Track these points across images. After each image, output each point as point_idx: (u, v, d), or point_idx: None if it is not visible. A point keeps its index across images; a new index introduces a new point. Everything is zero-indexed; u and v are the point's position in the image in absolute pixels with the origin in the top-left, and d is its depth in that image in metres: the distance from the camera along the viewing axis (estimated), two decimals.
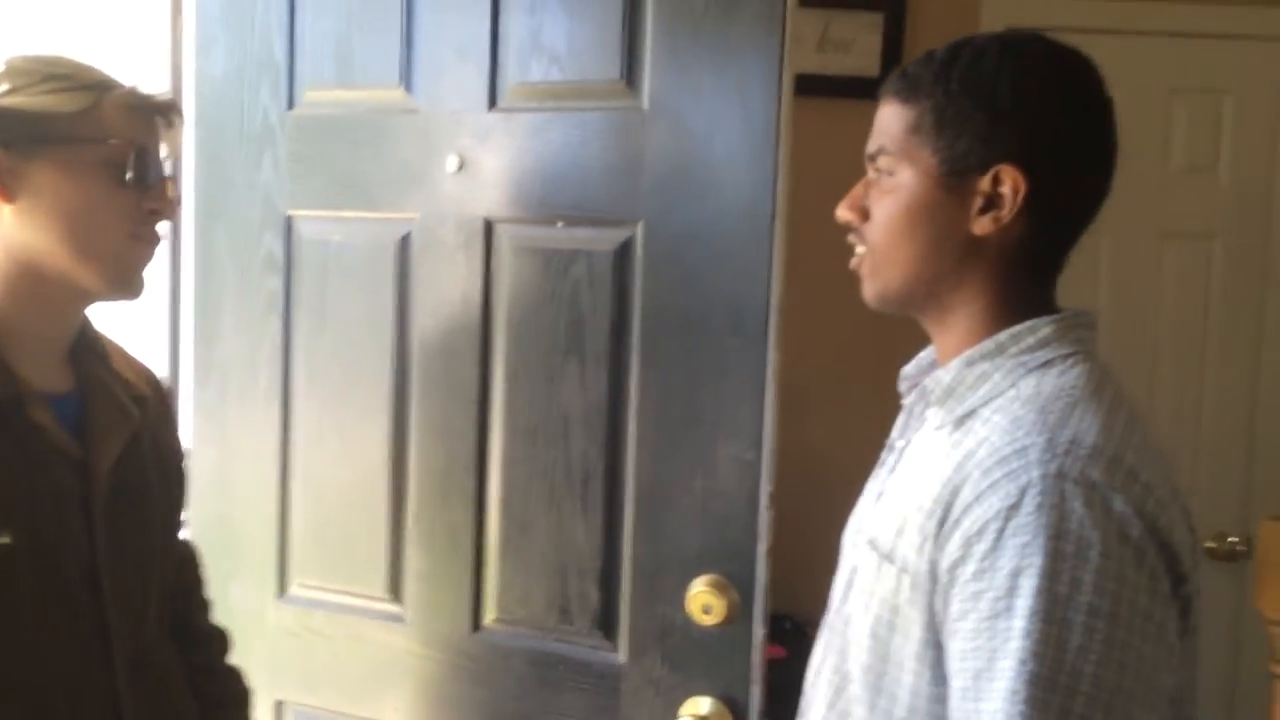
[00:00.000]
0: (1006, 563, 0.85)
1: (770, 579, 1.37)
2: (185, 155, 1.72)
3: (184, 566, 1.33)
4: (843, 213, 1.05)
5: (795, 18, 1.34)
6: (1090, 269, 2.21)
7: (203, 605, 1.37)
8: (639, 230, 1.40)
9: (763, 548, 1.36)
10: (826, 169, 2.14)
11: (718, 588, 1.37)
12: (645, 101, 1.39)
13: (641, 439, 1.41)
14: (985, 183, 0.96)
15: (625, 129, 1.40)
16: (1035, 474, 0.86)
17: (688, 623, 1.39)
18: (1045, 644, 0.82)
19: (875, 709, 0.96)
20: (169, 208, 1.15)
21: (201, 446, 1.67)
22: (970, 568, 0.87)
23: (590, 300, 1.43)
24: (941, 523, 0.91)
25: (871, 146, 1.03)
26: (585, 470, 1.44)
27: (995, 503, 0.87)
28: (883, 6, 2.22)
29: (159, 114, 1.14)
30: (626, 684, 1.43)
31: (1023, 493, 0.86)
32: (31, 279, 1.08)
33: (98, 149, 1.07)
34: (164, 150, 1.16)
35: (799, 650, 1.98)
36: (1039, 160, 0.95)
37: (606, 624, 1.45)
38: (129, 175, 1.08)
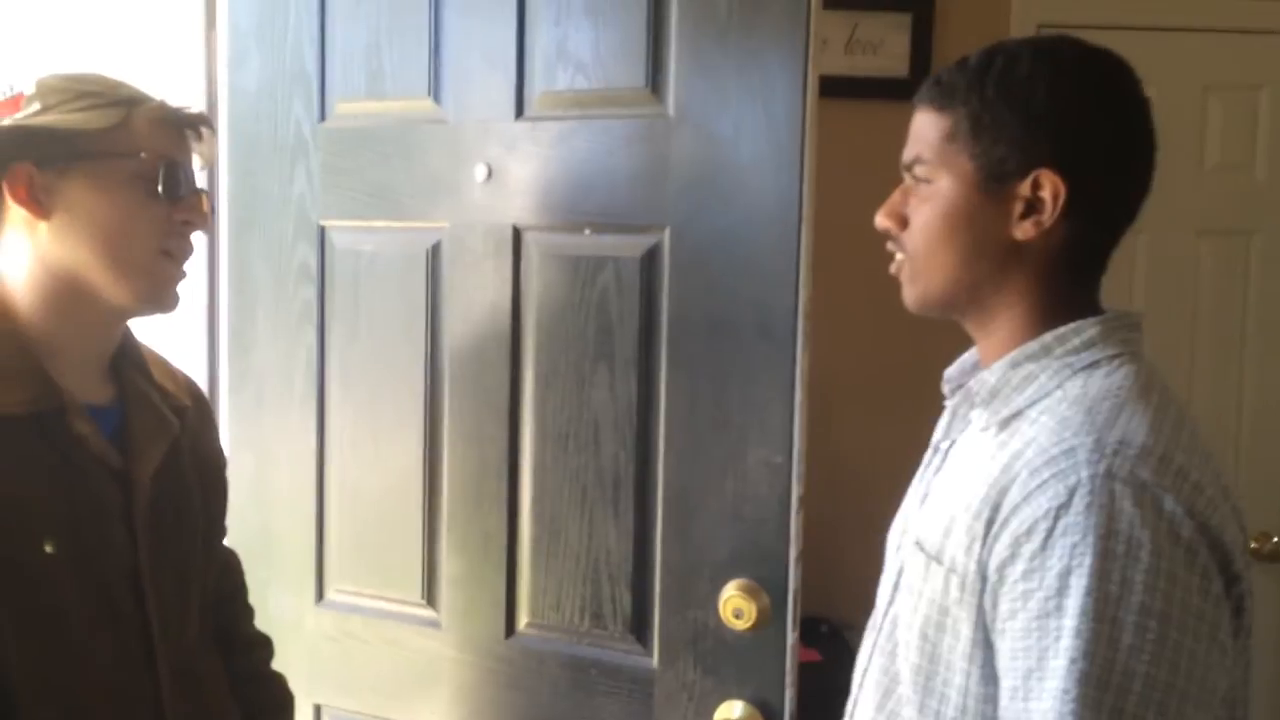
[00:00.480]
0: (1056, 562, 0.85)
1: (802, 583, 1.37)
2: (220, 168, 1.75)
3: (226, 574, 1.35)
4: (881, 220, 1.06)
5: (822, 20, 1.34)
6: (1126, 268, 2.18)
7: (246, 612, 1.39)
8: (666, 236, 1.40)
9: (794, 551, 1.36)
10: (856, 170, 2.14)
11: (749, 592, 1.37)
12: (670, 108, 1.39)
13: (671, 443, 1.42)
14: (1025, 188, 0.97)
15: (651, 136, 1.40)
16: (1084, 474, 0.86)
17: (720, 627, 1.39)
18: (1096, 643, 0.83)
19: (925, 709, 0.97)
20: (202, 219, 1.16)
21: (238, 454, 1.69)
22: (1019, 567, 0.88)
23: (618, 306, 1.43)
24: (989, 523, 0.91)
25: (908, 155, 1.04)
26: (616, 475, 1.45)
27: (1044, 503, 0.87)
28: (911, 7, 2.21)
29: (188, 127, 1.16)
30: (660, 688, 1.44)
31: (1071, 493, 0.86)
32: (70, 295, 1.09)
33: (128, 163, 1.09)
34: (196, 163, 1.18)
35: (834, 654, 1.99)
36: (1078, 163, 0.96)
37: (639, 628, 1.45)
38: (160, 188, 1.10)
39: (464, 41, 1.51)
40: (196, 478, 1.22)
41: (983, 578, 0.92)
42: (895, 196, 1.06)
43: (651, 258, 1.42)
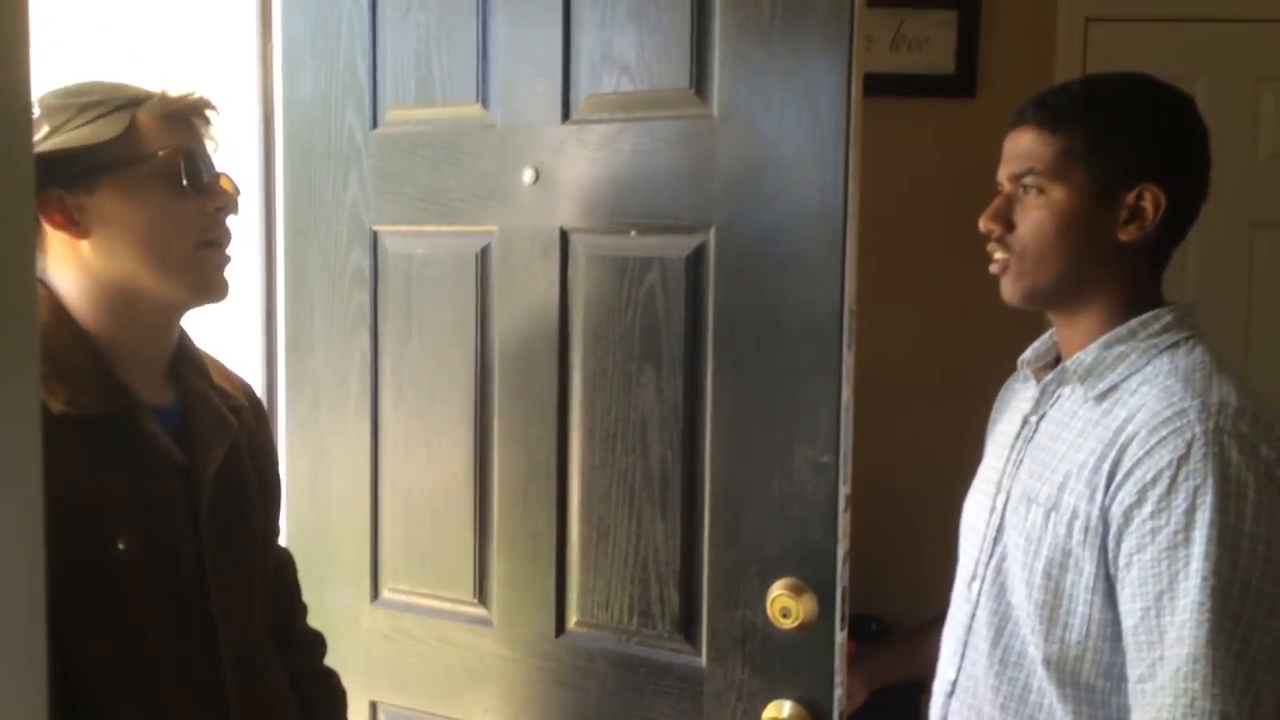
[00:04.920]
0: (1182, 502, 1.04)
1: (850, 581, 1.37)
2: (276, 175, 1.79)
3: (280, 571, 1.37)
4: (986, 223, 1.23)
5: (866, 18, 1.34)
6: (1179, 261, 2.15)
7: (300, 610, 1.41)
8: (711, 236, 1.41)
9: (841, 550, 1.36)
10: (904, 167, 2.14)
11: (796, 591, 1.37)
12: (715, 109, 1.40)
13: (718, 443, 1.42)
14: (1131, 198, 1.17)
15: (696, 137, 1.41)
16: (1198, 430, 1.06)
17: (768, 626, 1.40)
18: (1221, 563, 1.02)
19: (1050, 637, 1.15)
20: (231, 202, 1.17)
21: (296, 456, 1.73)
22: (1147, 509, 1.06)
23: (665, 306, 1.45)
24: (1110, 475, 1.10)
25: (1017, 168, 1.21)
26: (663, 475, 1.46)
27: (1166, 454, 1.06)
28: (956, 4, 2.20)
29: (194, 114, 1.16)
30: (709, 687, 1.45)
31: (1189, 445, 1.05)
32: (124, 301, 1.12)
33: (148, 164, 1.10)
34: (210, 146, 1.18)
35: None
36: (1173, 178, 1.17)
37: (687, 627, 1.46)
38: (185, 182, 1.11)
39: (511, 47, 1.53)
40: (255, 476, 1.25)
41: (1104, 522, 1.10)
42: (998, 203, 1.23)
43: (697, 258, 1.43)
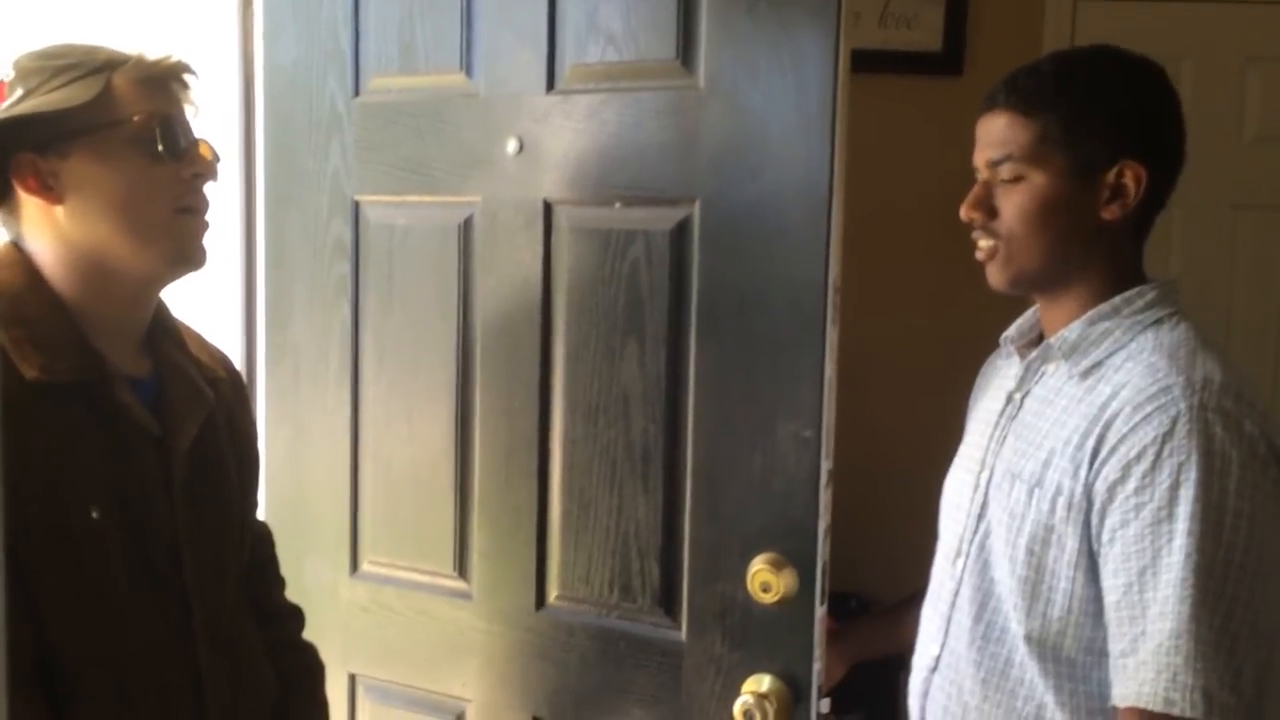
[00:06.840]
0: (1166, 478, 1.05)
1: (830, 557, 1.37)
2: (256, 144, 1.77)
3: (258, 545, 1.36)
4: (967, 212, 1.22)
5: None
6: (1163, 242, 2.16)
7: (278, 583, 1.41)
8: (696, 209, 1.40)
9: (822, 526, 1.36)
10: (890, 145, 2.13)
11: (777, 566, 1.37)
12: (701, 80, 1.39)
13: (700, 417, 1.42)
14: (1111, 176, 1.16)
15: (681, 108, 1.40)
16: (1183, 406, 1.06)
17: (748, 600, 1.39)
18: (1205, 539, 1.03)
19: (1032, 613, 1.15)
20: (209, 168, 1.15)
21: (276, 427, 1.72)
22: (1131, 485, 1.07)
23: (648, 279, 1.44)
24: (1095, 452, 1.10)
25: (995, 154, 1.20)
26: (645, 449, 1.45)
27: (1150, 431, 1.06)
28: None
29: (171, 78, 1.13)
30: (688, 661, 1.45)
31: (1174, 422, 1.05)
32: (99, 270, 1.10)
33: (123, 129, 1.08)
34: (189, 112, 1.16)
35: None
36: (1151, 153, 1.16)
37: (667, 601, 1.46)
38: (160, 147, 1.09)
39: (495, 14, 1.51)
40: (231, 449, 1.24)
41: (1089, 498, 1.11)
42: (978, 191, 1.22)
43: (681, 231, 1.42)
